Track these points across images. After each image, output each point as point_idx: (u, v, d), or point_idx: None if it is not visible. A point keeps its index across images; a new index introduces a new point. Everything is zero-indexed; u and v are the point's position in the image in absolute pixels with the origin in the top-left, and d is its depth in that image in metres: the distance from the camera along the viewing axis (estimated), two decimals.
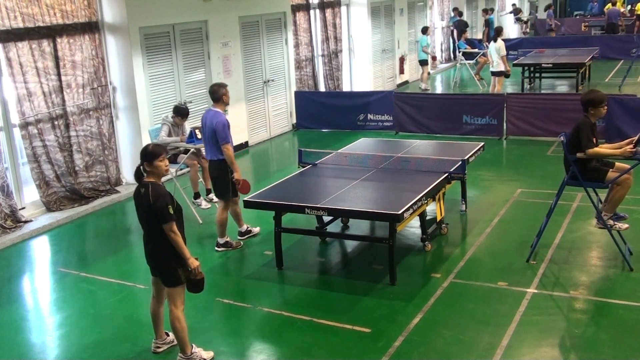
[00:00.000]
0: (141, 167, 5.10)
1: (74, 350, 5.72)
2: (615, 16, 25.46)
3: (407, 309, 6.06)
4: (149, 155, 5.04)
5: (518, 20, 30.39)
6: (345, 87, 17.07)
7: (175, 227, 4.97)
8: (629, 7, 30.62)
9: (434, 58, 18.87)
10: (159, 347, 5.55)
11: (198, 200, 8.84)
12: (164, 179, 5.23)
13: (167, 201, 4.95)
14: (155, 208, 4.91)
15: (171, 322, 5.21)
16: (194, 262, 5.03)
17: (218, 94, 7.39)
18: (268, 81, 13.52)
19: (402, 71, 19.32)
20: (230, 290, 6.71)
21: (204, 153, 9.05)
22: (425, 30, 18.16)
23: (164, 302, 5.42)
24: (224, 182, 7.50)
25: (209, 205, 8.89)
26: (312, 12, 15.14)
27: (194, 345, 5.31)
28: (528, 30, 31.31)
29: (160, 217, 4.93)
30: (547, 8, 27.63)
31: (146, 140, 9.68)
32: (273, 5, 13.46)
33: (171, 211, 4.93)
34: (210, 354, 5.41)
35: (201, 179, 8.93)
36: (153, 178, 5.07)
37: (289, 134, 14.14)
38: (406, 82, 19.63)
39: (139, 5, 10.11)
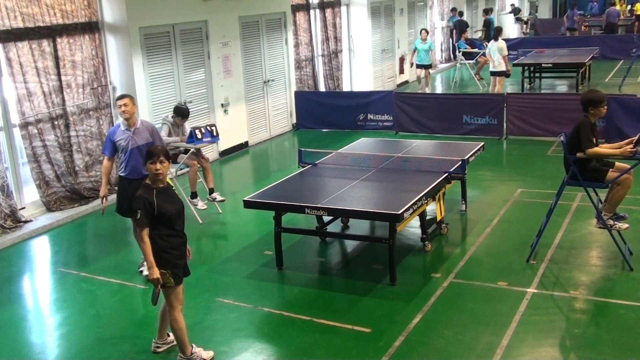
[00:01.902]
0: None
1: (74, 350, 5.73)
2: (614, 16, 25.46)
3: (407, 309, 6.06)
4: (145, 155, 5.08)
5: (518, 20, 30.39)
6: (345, 87, 17.07)
7: (142, 232, 4.91)
8: (629, 7, 30.62)
9: (410, 64, 17.45)
10: (158, 347, 5.55)
11: (195, 200, 8.83)
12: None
13: (138, 205, 4.92)
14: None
15: (169, 323, 5.23)
16: (152, 273, 4.94)
17: None
18: (268, 81, 13.52)
19: (402, 71, 19.32)
20: (230, 290, 6.71)
21: (203, 153, 9.10)
22: (420, 33, 17.32)
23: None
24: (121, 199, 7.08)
25: (205, 206, 8.87)
26: (312, 12, 15.14)
27: (194, 346, 5.31)
28: (528, 30, 31.31)
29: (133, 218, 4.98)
30: (572, 7, 27.14)
31: None
32: (273, 5, 13.46)
33: (138, 216, 4.90)
34: (210, 353, 5.42)
35: (201, 179, 8.93)
36: (148, 179, 5.09)
37: (289, 133, 14.14)
38: (406, 82, 19.64)
39: (139, 5, 10.11)
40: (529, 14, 34.26)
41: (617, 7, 27.41)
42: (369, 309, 6.11)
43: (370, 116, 13.66)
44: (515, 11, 30.20)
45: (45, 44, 9.03)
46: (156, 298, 5.01)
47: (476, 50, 19.19)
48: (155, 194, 4.98)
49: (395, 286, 6.52)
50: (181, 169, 8.96)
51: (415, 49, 16.86)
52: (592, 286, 6.37)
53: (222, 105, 12.14)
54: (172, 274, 5.05)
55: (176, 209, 5.11)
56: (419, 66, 16.87)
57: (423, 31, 17.00)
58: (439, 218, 7.60)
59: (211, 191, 8.84)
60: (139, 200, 4.96)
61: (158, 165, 5.01)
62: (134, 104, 6.90)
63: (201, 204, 8.84)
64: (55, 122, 9.24)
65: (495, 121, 12.46)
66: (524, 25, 31.48)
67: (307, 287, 6.72)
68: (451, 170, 7.50)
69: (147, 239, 4.93)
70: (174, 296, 5.14)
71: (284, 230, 7.08)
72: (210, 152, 11.49)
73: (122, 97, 6.92)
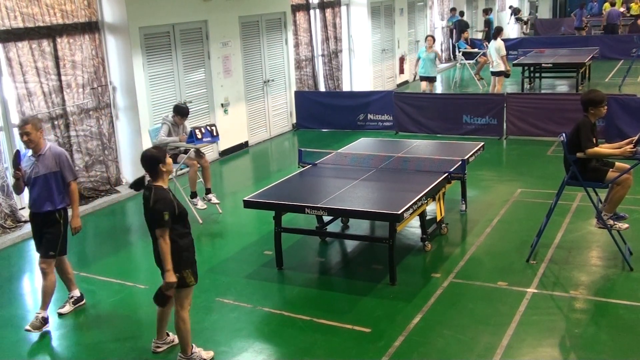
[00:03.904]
0: (146, 175, 5.06)
1: (73, 350, 5.73)
2: (615, 17, 25.44)
3: (407, 309, 6.06)
4: (155, 160, 4.99)
5: (518, 20, 30.38)
6: (345, 87, 17.07)
7: (166, 235, 4.87)
8: (628, 6, 30.60)
9: (413, 76, 15.55)
10: (158, 347, 5.55)
11: (194, 200, 8.82)
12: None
13: (166, 207, 4.89)
14: (152, 211, 4.90)
15: (176, 323, 5.20)
16: (170, 277, 4.90)
17: None
18: (268, 81, 13.52)
19: (402, 71, 19.32)
20: (230, 290, 6.71)
21: (203, 153, 9.10)
22: (425, 40, 15.09)
23: (172, 303, 5.39)
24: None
25: (205, 206, 8.87)
26: (312, 12, 15.14)
27: (194, 346, 5.31)
28: (528, 30, 31.29)
29: (155, 220, 4.89)
30: (581, 7, 27.03)
31: (146, 140, 9.69)
32: (273, 5, 13.46)
33: (166, 217, 4.86)
34: (210, 353, 5.42)
35: (201, 179, 8.93)
36: (159, 182, 5.04)
37: (289, 134, 14.14)
38: (406, 82, 19.63)
39: (139, 5, 10.11)
40: (529, 14, 34.25)
41: (617, 7, 27.36)
42: (369, 309, 6.11)
43: (370, 116, 13.66)
44: (515, 11, 30.19)
45: (45, 44, 9.03)
46: (167, 300, 5.00)
47: (476, 50, 19.18)
48: (170, 194, 5.02)
49: (395, 286, 6.52)
50: (181, 169, 8.96)
51: (418, 58, 14.66)
52: (592, 286, 6.38)
53: (222, 105, 12.14)
54: (192, 273, 5.08)
55: (185, 207, 5.15)
56: (422, 78, 14.65)
57: (429, 38, 14.57)
58: (439, 218, 7.60)
59: (208, 191, 8.86)
60: (164, 202, 4.89)
61: (170, 160, 5.09)
62: (38, 129, 5.91)
63: (201, 204, 8.84)
64: (55, 122, 9.24)
65: (495, 121, 12.46)
66: (524, 25, 31.47)
67: (307, 287, 6.72)
68: (451, 170, 7.50)
69: (169, 241, 4.90)
70: (186, 297, 5.13)
71: (284, 230, 7.08)
72: (210, 152, 11.50)
73: (23, 124, 5.87)
